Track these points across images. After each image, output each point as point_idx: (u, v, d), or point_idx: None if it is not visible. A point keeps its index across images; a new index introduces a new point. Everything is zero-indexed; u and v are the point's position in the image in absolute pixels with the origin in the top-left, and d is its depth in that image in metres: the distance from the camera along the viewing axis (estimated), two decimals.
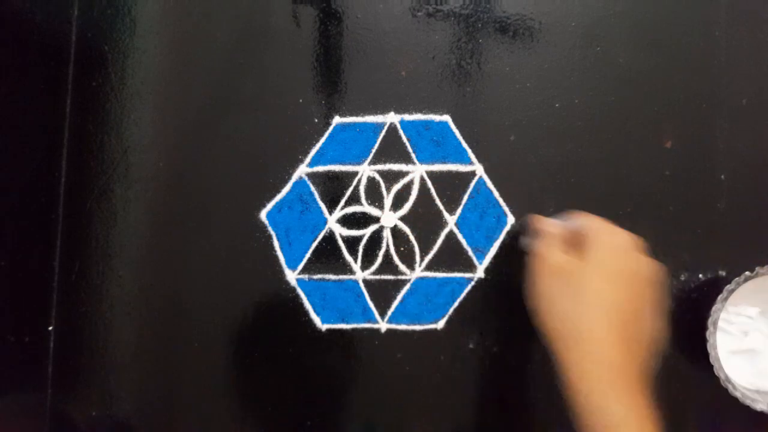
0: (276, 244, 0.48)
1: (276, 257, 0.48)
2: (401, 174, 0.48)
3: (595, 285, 0.34)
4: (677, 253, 0.47)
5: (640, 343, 0.34)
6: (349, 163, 0.49)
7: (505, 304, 0.47)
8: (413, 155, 0.48)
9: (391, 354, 0.47)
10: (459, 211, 0.48)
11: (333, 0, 0.49)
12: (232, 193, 0.49)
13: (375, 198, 0.48)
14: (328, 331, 0.48)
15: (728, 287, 0.41)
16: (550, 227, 0.41)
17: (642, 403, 0.33)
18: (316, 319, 0.48)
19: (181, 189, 0.49)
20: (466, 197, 0.48)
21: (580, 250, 0.36)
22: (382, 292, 0.48)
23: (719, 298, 0.41)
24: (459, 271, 0.48)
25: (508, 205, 0.48)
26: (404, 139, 0.48)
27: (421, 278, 0.48)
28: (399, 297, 0.48)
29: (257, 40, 0.49)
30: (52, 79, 0.50)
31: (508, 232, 0.47)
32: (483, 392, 0.47)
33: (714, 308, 0.42)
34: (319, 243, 0.48)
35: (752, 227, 0.47)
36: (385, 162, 0.48)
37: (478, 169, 0.48)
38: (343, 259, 0.48)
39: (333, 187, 0.49)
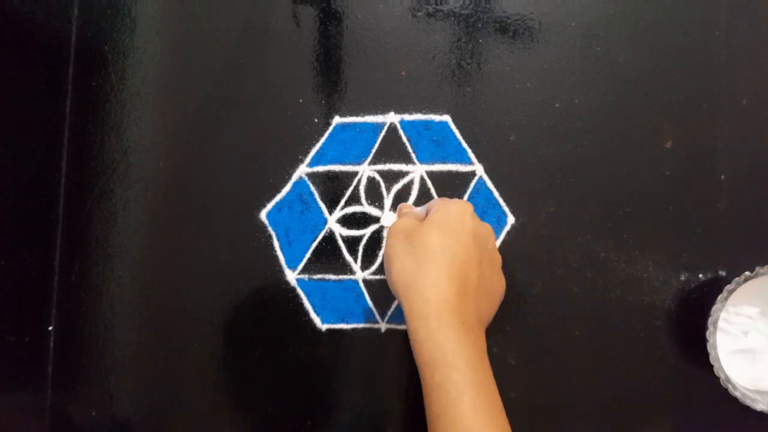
0: (276, 244, 0.48)
1: (276, 257, 0.48)
2: (401, 174, 0.48)
3: (427, 235, 0.38)
4: (677, 253, 0.47)
5: (468, 284, 0.37)
6: (349, 163, 0.49)
7: (505, 304, 0.47)
8: (413, 155, 0.48)
9: (391, 354, 0.47)
10: None
11: (333, 0, 0.49)
12: (232, 193, 0.49)
13: (375, 198, 0.48)
14: (328, 331, 0.48)
15: (728, 287, 0.41)
16: (407, 209, 0.46)
17: (473, 338, 0.36)
18: (316, 319, 0.48)
19: (181, 189, 0.49)
20: (466, 197, 0.48)
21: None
22: (382, 292, 0.48)
23: (719, 298, 0.41)
24: None
25: (508, 205, 0.48)
26: (404, 139, 0.48)
27: None
28: None
29: (257, 40, 0.49)
30: (52, 79, 0.50)
31: (509, 232, 0.47)
32: None
33: (714, 308, 0.42)
34: (319, 243, 0.48)
35: (752, 227, 0.47)
36: (385, 162, 0.48)
37: (478, 169, 0.48)
38: (343, 259, 0.48)
39: (333, 187, 0.49)
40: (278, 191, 0.49)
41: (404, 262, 0.38)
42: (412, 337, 0.36)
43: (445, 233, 0.38)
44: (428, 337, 0.35)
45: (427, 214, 0.42)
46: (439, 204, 0.41)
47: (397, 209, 0.47)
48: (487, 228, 0.41)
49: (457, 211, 0.40)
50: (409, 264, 0.38)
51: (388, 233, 0.42)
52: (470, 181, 0.48)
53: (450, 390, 0.34)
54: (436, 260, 0.37)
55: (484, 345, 0.38)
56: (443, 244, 0.37)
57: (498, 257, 0.41)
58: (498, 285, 0.41)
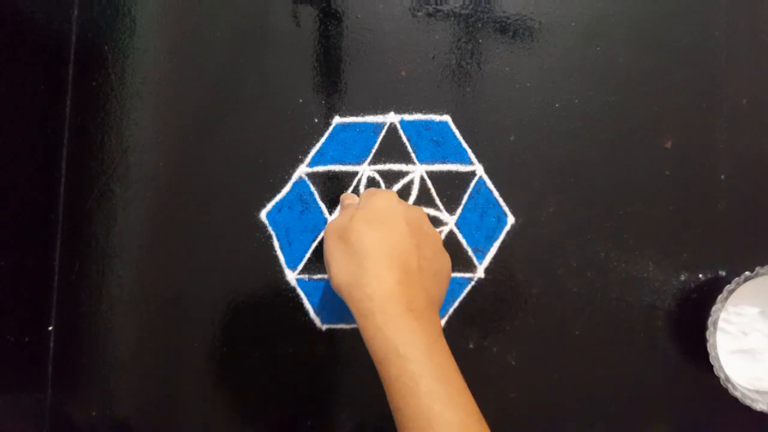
0: (276, 244, 0.48)
1: (276, 257, 0.48)
2: (401, 174, 0.48)
3: (359, 233, 0.38)
4: (677, 253, 0.47)
5: (410, 270, 0.37)
6: (349, 163, 0.49)
7: (505, 304, 0.47)
8: (413, 155, 0.48)
9: None
10: (459, 211, 0.48)
11: (333, 0, 0.49)
12: (232, 193, 0.49)
13: None
14: (328, 331, 0.48)
15: (728, 287, 0.41)
16: (348, 200, 0.46)
17: (423, 324, 0.35)
18: (316, 319, 0.48)
19: (181, 189, 0.49)
20: (466, 197, 0.48)
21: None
22: None
23: (719, 298, 0.42)
24: (459, 271, 0.48)
25: (508, 205, 0.48)
26: (404, 139, 0.48)
27: None
28: None
29: (257, 40, 0.49)
30: (52, 79, 0.50)
31: (508, 232, 0.47)
32: (483, 392, 0.47)
33: (714, 308, 0.42)
34: (319, 243, 0.48)
35: (752, 227, 0.47)
36: (385, 162, 0.48)
37: (478, 169, 0.48)
38: None
39: (333, 187, 0.49)
40: (278, 191, 0.49)
41: (341, 262, 0.38)
42: (363, 335, 0.36)
43: (375, 226, 0.38)
44: (377, 333, 0.35)
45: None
46: (364, 197, 0.41)
47: (340, 201, 0.47)
48: (417, 211, 0.41)
49: (383, 201, 0.40)
50: (347, 264, 0.38)
51: (324, 234, 0.41)
52: (470, 181, 0.48)
53: (406, 381, 0.34)
54: (372, 255, 0.37)
55: (439, 328, 0.37)
56: (376, 237, 0.37)
57: (436, 235, 0.41)
58: (443, 263, 0.41)
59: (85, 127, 0.50)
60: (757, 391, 0.44)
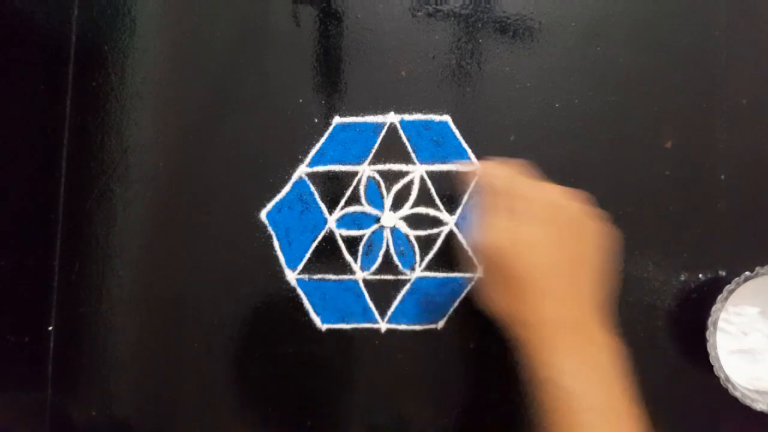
0: (276, 244, 0.48)
1: (276, 257, 0.48)
2: (401, 174, 0.48)
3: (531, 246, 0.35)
4: (677, 253, 0.47)
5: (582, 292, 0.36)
6: (349, 163, 0.49)
7: None
8: (413, 155, 0.48)
9: (391, 354, 0.47)
10: (459, 211, 0.48)
11: (333, 0, 0.49)
12: (232, 193, 0.49)
13: (375, 198, 0.48)
14: (328, 331, 0.48)
15: (728, 287, 0.41)
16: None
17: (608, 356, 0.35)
18: (316, 319, 0.48)
19: (181, 189, 0.49)
20: (466, 197, 0.48)
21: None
22: (382, 292, 0.48)
23: (719, 298, 0.41)
24: (459, 271, 0.48)
25: None
26: (404, 139, 0.48)
27: (421, 278, 0.48)
28: (399, 297, 0.48)
29: (257, 40, 0.49)
30: (52, 79, 0.50)
31: None
32: (483, 392, 0.47)
33: (714, 308, 0.42)
34: (319, 243, 0.48)
35: (752, 227, 0.47)
36: (385, 162, 0.48)
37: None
38: (343, 259, 0.48)
39: (333, 187, 0.49)
40: (278, 191, 0.49)
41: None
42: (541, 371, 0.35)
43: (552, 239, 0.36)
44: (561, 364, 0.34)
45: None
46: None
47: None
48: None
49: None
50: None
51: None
52: (470, 182, 0.48)
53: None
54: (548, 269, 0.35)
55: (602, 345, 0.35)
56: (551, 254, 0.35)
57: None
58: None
59: (85, 127, 0.50)
60: (757, 391, 0.44)
